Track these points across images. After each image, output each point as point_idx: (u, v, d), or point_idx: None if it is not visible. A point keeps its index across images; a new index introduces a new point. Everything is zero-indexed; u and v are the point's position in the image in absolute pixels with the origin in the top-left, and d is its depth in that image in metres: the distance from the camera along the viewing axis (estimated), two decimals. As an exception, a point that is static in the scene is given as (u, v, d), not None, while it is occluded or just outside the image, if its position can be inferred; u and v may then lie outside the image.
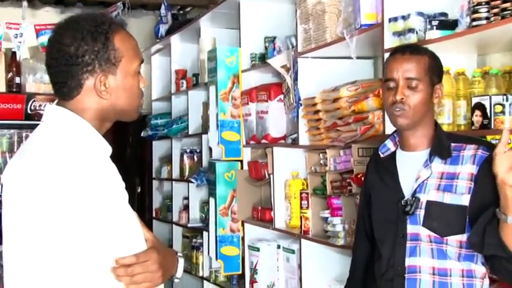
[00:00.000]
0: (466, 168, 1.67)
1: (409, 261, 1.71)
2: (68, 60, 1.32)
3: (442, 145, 1.72)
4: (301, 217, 2.93)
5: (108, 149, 1.36)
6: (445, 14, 2.20)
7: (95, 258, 1.25)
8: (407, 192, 1.74)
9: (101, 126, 1.37)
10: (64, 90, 1.35)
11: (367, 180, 1.95)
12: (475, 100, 2.00)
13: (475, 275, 1.68)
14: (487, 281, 1.71)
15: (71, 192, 1.23)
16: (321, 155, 2.92)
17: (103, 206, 1.26)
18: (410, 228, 1.71)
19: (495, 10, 1.92)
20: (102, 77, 1.34)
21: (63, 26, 1.36)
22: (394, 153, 1.82)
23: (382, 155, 1.84)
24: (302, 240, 2.93)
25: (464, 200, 1.65)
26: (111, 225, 1.27)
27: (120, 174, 1.35)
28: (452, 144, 1.73)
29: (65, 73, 1.33)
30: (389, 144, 1.84)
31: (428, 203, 1.68)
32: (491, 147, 1.66)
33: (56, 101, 1.39)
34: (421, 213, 1.69)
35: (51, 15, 5.18)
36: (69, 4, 5.26)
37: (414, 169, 1.73)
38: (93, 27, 1.33)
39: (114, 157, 1.37)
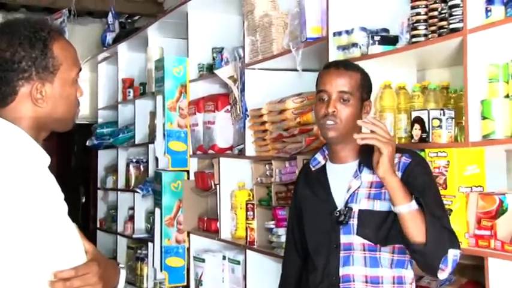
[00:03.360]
0: None
1: (343, 271, 1.76)
2: (3, 66, 1.28)
3: (369, 156, 1.77)
4: (246, 228, 2.94)
5: (46, 159, 1.32)
6: (386, 30, 2.26)
7: (32, 272, 1.21)
8: (339, 203, 1.78)
9: (37, 136, 1.33)
10: None
11: (296, 194, 1.99)
12: (414, 114, 2.06)
13: (405, 280, 1.75)
14: (413, 286, 1.78)
15: (6, 205, 1.19)
16: (267, 166, 2.94)
17: (40, 218, 1.22)
18: (344, 238, 1.76)
19: (432, 28, 2.00)
20: (39, 84, 1.30)
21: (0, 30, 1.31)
22: (324, 166, 1.88)
23: (313, 168, 1.89)
24: (247, 251, 2.93)
25: None
26: (49, 237, 1.23)
27: (65, 184, 1.32)
28: None
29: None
30: (319, 158, 1.89)
31: (360, 211, 1.74)
32: (413, 155, 1.78)
33: None
34: (354, 222, 1.74)
35: (-7, 20, 5.02)
36: (11, 9, 5.12)
37: (345, 180, 1.79)
38: (31, 33, 1.29)
39: (58, 166, 1.35)
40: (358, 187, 1.76)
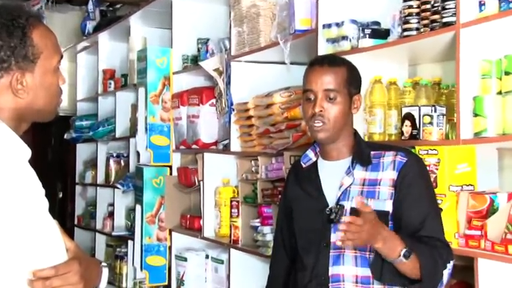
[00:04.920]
0: (387, 175, 1.72)
1: (332, 270, 1.72)
2: None
3: (363, 153, 1.77)
4: (231, 226, 2.91)
5: (27, 152, 1.28)
6: (377, 23, 2.23)
7: (10, 270, 1.18)
8: (330, 201, 1.75)
9: (18, 127, 1.31)
10: None
11: (287, 193, 1.95)
12: (405, 110, 2.03)
13: None
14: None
15: None
16: (252, 162, 2.90)
17: (20, 215, 1.19)
18: (334, 237, 1.71)
19: (425, 21, 1.98)
20: (19, 74, 1.28)
21: None
22: (315, 163, 1.84)
23: (304, 165, 1.85)
24: (231, 249, 2.90)
25: (387, 206, 1.70)
26: (29, 235, 1.20)
27: (41, 178, 1.29)
28: (372, 152, 1.77)
29: None
30: (311, 154, 1.86)
31: (353, 209, 1.69)
32: (408, 153, 1.76)
33: None
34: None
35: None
36: (-12, -4, 4.99)
37: (336, 177, 1.76)
38: (9, 20, 1.26)
39: (35, 160, 1.30)
40: (351, 184, 1.73)
